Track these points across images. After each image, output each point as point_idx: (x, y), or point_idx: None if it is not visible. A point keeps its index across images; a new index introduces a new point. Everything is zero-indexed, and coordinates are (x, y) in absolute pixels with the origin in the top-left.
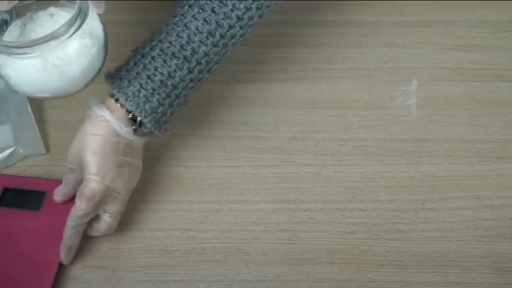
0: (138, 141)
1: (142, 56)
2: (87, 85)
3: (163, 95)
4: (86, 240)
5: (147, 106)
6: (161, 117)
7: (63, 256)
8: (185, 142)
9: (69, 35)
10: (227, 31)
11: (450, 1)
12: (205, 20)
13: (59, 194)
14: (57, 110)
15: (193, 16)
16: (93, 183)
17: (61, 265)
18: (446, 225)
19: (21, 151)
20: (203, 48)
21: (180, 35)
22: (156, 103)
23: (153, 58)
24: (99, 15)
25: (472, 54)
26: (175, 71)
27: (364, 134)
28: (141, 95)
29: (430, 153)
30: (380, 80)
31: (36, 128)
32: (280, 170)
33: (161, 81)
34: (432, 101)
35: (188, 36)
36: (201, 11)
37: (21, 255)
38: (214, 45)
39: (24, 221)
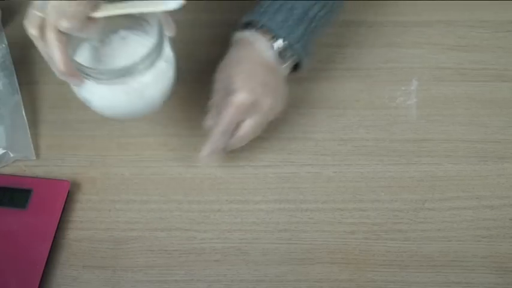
0: (282, 67)
1: None
2: (163, 104)
3: (304, 25)
4: (86, 240)
5: (295, 33)
6: (306, 45)
7: (206, 155)
8: (185, 142)
9: (151, 63)
10: None
11: (450, 1)
12: None
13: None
14: (57, 110)
15: None
16: (242, 94)
17: (49, 264)
18: (446, 225)
19: (11, 155)
20: None
21: None
22: (302, 31)
23: None
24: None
25: (472, 54)
26: (312, 5)
27: (364, 134)
28: (288, 24)
29: (430, 153)
30: (380, 80)
31: (28, 132)
32: (280, 170)
33: (301, 13)
34: (432, 101)
35: None
36: None
37: (8, 253)
38: None
39: (11, 218)
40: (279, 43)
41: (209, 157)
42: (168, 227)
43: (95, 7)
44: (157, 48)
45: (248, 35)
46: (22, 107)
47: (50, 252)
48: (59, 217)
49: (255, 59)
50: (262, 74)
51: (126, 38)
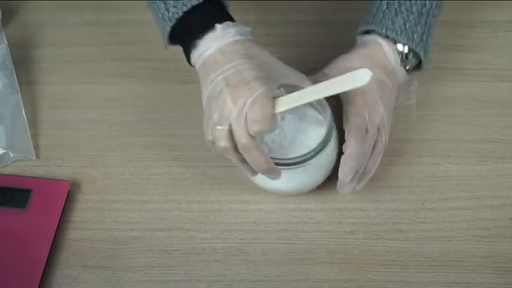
0: (402, 73)
1: None
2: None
3: (423, 23)
4: (86, 240)
5: (415, 36)
6: (426, 44)
7: (347, 186)
8: (185, 142)
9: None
10: None
11: (450, 1)
12: None
13: None
14: (57, 110)
15: None
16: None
17: (49, 264)
18: (446, 225)
19: (11, 155)
20: None
21: None
22: (421, 31)
23: None
24: None
25: (472, 54)
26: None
27: None
28: (407, 27)
29: (430, 153)
30: None
31: (28, 132)
32: None
33: (418, 10)
34: (432, 101)
35: None
36: None
37: (8, 253)
38: None
39: (11, 218)
40: (401, 48)
41: (353, 187)
42: (168, 227)
43: (275, 103)
44: (333, 121)
45: (371, 39)
46: (22, 107)
47: (50, 252)
48: (59, 217)
49: (381, 61)
50: (381, 74)
51: (284, 118)
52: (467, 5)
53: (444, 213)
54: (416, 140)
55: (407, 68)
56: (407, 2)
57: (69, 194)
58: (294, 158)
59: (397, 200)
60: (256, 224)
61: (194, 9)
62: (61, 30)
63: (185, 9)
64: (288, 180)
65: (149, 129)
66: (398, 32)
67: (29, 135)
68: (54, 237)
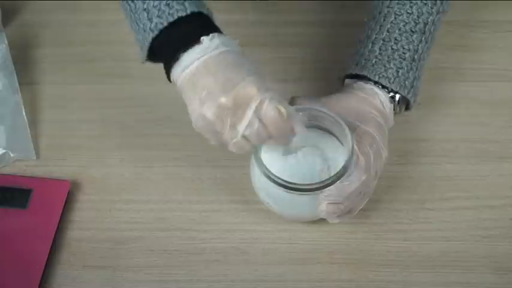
0: (392, 118)
1: (384, 40)
2: None
3: (414, 69)
4: (86, 240)
5: (407, 83)
6: (416, 90)
7: (337, 218)
8: (185, 142)
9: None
10: None
11: (450, 1)
12: None
13: None
14: (57, 110)
15: None
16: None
17: (49, 264)
18: (446, 225)
19: (11, 155)
20: (430, 17)
21: (409, 11)
22: (412, 78)
23: (395, 39)
24: None
25: (472, 54)
26: (417, 44)
27: None
28: (400, 74)
29: (429, 153)
30: None
31: (29, 132)
32: None
33: (410, 57)
34: (432, 101)
35: (417, 10)
36: None
37: (8, 252)
38: (437, 12)
39: (11, 218)
40: (394, 96)
41: (342, 219)
42: (168, 227)
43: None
44: (351, 160)
45: (363, 86)
46: (22, 107)
47: (50, 252)
48: (59, 217)
49: (378, 107)
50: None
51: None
52: (467, 5)
53: (444, 213)
54: (416, 140)
55: (396, 112)
56: (401, 49)
57: (69, 194)
58: (317, 183)
59: (397, 200)
60: (256, 224)
61: (179, 20)
62: (61, 30)
63: (171, 19)
64: (281, 204)
65: (149, 129)
66: (391, 80)
67: (29, 135)
68: (54, 237)
